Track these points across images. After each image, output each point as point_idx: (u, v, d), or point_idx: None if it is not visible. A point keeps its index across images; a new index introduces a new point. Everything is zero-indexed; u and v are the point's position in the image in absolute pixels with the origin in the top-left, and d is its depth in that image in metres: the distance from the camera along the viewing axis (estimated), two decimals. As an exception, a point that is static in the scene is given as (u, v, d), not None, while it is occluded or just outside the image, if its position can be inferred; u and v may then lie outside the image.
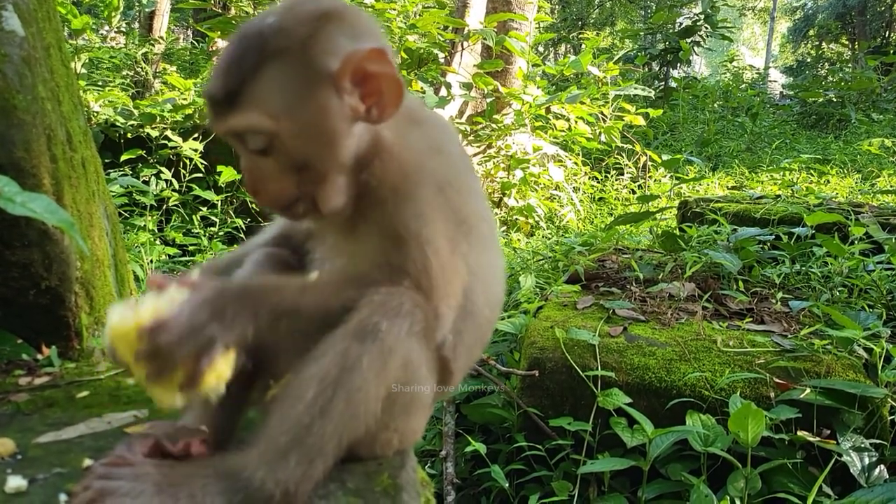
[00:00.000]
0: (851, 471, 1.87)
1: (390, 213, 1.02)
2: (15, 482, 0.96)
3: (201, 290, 0.94)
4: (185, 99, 5.65)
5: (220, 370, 0.94)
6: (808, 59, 23.30)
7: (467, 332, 1.13)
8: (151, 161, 4.87)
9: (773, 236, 3.29)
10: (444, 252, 1.04)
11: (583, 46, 7.39)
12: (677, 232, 3.56)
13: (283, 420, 0.92)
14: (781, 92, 17.09)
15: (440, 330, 1.07)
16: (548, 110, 6.61)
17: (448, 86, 6.22)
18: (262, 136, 0.96)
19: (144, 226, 4.15)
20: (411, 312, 0.98)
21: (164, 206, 4.60)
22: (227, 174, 4.46)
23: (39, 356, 1.52)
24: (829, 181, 6.67)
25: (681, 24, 13.84)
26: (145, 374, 0.91)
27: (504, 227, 5.75)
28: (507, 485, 2.07)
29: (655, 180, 6.87)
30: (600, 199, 6.74)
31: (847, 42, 23.02)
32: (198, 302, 0.93)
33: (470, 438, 2.20)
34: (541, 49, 18.97)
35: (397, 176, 1.03)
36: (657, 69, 13.51)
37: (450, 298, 1.06)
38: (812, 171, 7.08)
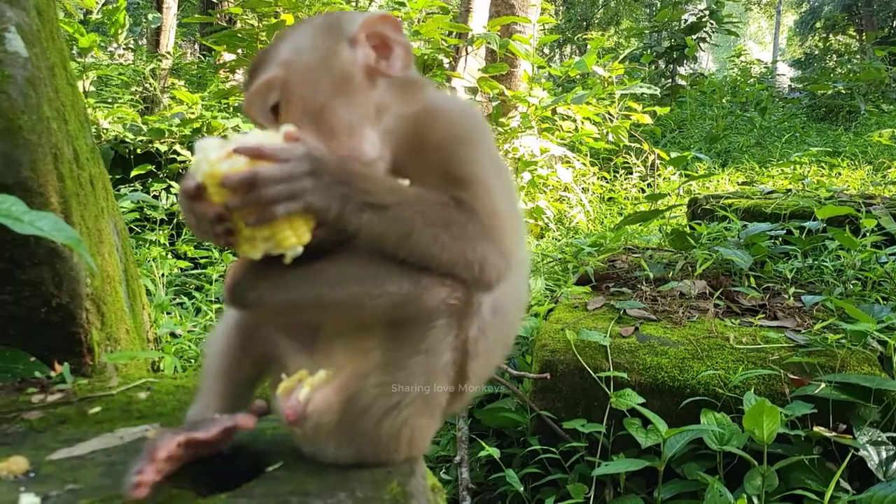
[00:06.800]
0: (869, 465, 1.85)
1: (448, 159, 1.04)
2: (28, 500, 0.96)
3: (303, 143, 0.95)
4: (192, 113, 5.69)
5: (300, 231, 0.94)
6: (816, 52, 23.15)
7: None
8: (161, 175, 4.91)
9: (785, 231, 3.27)
10: (502, 200, 1.05)
11: (588, 47, 7.37)
12: (687, 229, 3.54)
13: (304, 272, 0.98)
14: (790, 85, 16.98)
15: (498, 283, 1.03)
16: (554, 112, 6.59)
17: (454, 91, 6.22)
18: (276, 89, 1.00)
19: (156, 240, 4.17)
20: (452, 287, 0.99)
21: (175, 220, 4.62)
22: (235, 186, 4.46)
23: (52, 373, 1.53)
24: (840, 173, 6.62)
25: (686, 20, 13.79)
26: (241, 219, 0.92)
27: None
28: (522, 489, 2.06)
29: (665, 178, 6.84)
30: (610, 198, 6.70)
31: (854, 33, 22.86)
32: (301, 153, 0.93)
33: (484, 443, 2.19)
34: (545, 51, 18.97)
35: (448, 127, 1.06)
36: (664, 67, 13.45)
37: (510, 248, 1.04)
38: (823, 164, 7.02)
